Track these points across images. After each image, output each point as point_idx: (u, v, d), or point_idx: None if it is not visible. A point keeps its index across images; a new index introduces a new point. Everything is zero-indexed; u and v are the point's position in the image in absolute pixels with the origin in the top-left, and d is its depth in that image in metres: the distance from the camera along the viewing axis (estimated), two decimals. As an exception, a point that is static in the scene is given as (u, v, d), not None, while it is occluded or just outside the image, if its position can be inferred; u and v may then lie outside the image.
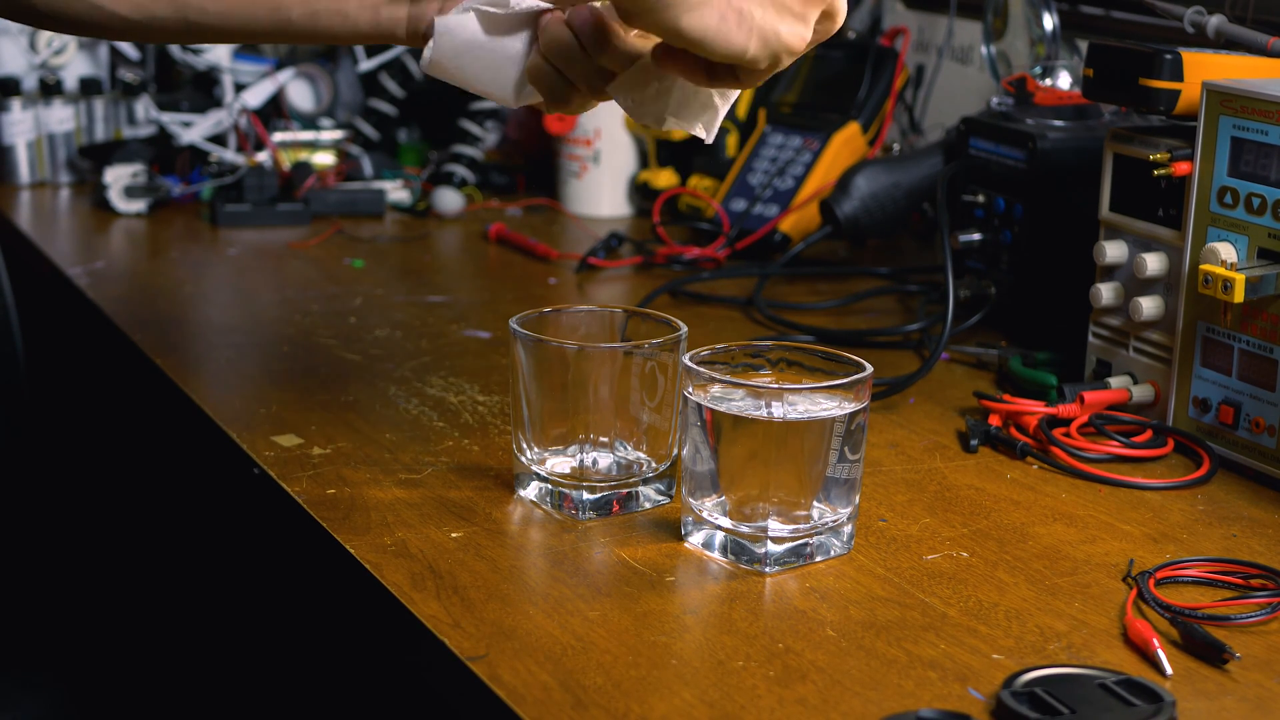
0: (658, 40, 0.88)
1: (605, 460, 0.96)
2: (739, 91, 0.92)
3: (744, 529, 0.88)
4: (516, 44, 0.92)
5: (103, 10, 0.94)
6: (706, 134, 0.92)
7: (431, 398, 1.14)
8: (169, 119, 1.79)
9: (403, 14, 0.94)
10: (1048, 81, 1.38)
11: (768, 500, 0.88)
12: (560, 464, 0.96)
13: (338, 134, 1.87)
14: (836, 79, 1.67)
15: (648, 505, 0.96)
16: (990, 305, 1.31)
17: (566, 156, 1.76)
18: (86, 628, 1.66)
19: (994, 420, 1.10)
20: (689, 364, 0.90)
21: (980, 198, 1.33)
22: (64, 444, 1.69)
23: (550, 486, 0.96)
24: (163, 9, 0.94)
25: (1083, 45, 1.54)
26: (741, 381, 0.91)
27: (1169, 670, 0.78)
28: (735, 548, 0.89)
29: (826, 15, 0.87)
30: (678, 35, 0.83)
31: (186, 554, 1.45)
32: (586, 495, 0.95)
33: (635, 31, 0.90)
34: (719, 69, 0.88)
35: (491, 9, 0.91)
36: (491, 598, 0.84)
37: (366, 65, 1.90)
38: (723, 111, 0.92)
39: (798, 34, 0.85)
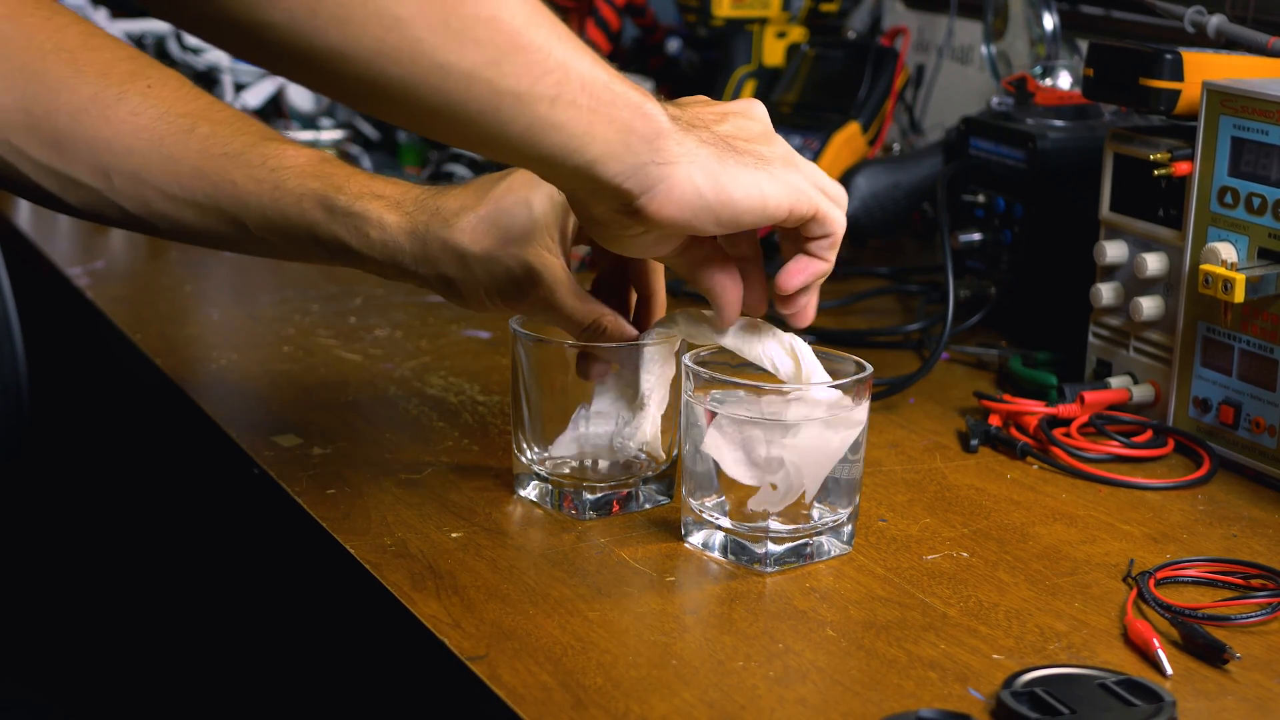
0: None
1: (605, 460, 0.96)
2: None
3: (744, 529, 0.88)
4: None
5: (144, 202, 0.95)
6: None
7: (431, 398, 1.14)
8: (169, 119, 1.79)
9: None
10: (1048, 81, 1.38)
11: (768, 500, 0.88)
12: (560, 464, 0.96)
13: (337, 133, 1.86)
14: (836, 79, 1.67)
15: (648, 505, 0.96)
16: (990, 305, 1.30)
17: (566, 156, 1.76)
18: (85, 628, 1.66)
19: (994, 420, 1.10)
20: (689, 364, 0.90)
21: (980, 198, 1.33)
22: (64, 445, 1.69)
23: (550, 486, 0.96)
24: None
25: (1083, 45, 1.53)
26: (741, 381, 0.91)
27: (1169, 670, 0.78)
28: (735, 548, 0.89)
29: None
30: (732, 204, 0.80)
31: (186, 554, 1.44)
32: (586, 495, 0.95)
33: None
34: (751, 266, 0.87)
35: None
36: (491, 598, 0.84)
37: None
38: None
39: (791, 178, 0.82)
